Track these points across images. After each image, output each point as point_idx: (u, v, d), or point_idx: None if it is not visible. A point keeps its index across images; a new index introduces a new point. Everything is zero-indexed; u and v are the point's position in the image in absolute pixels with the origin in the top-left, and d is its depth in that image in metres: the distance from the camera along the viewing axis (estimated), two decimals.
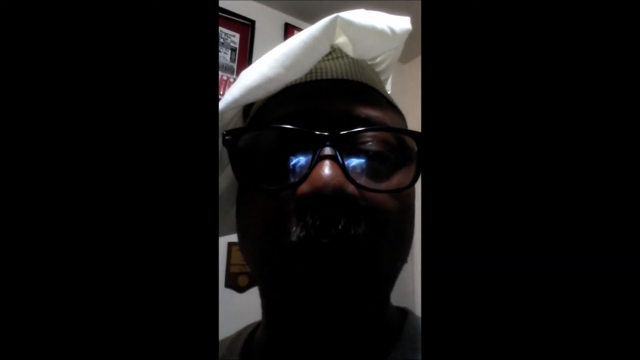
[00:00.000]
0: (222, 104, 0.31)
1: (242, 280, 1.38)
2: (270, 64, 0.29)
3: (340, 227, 0.24)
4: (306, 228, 0.25)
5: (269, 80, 0.29)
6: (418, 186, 0.30)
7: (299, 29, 1.71)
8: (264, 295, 0.32)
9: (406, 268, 0.31)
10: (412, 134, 0.28)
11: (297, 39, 0.30)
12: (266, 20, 1.66)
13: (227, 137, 0.28)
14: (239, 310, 1.17)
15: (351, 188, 0.25)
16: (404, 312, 0.35)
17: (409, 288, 1.71)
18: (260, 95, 0.30)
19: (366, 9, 0.33)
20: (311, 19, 1.73)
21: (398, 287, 0.32)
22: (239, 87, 0.30)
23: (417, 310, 0.33)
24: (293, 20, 1.74)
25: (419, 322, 0.34)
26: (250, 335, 0.37)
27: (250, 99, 0.30)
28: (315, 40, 0.29)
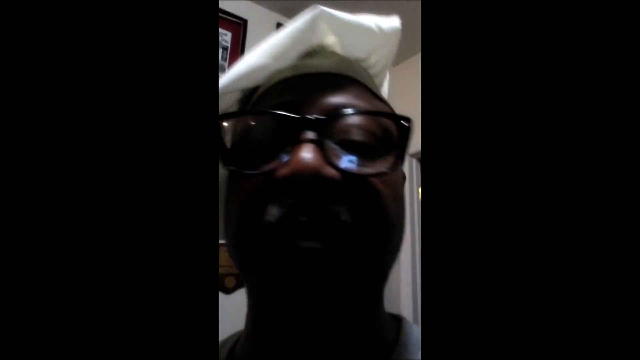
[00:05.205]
0: None
1: (229, 282, 1.37)
2: (259, 54, 0.31)
3: (319, 206, 0.24)
4: (283, 208, 0.24)
5: (256, 69, 0.31)
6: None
7: None
8: (249, 282, 0.30)
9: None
10: (393, 117, 0.28)
11: (284, 32, 0.32)
12: (258, 19, 1.66)
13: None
14: (226, 311, 1.16)
15: (331, 172, 0.25)
16: (397, 320, 0.34)
17: (394, 289, 1.71)
18: (249, 83, 0.32)
19: (356, 8, 0.34)
20: None
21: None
22: (228, 75, 0.32)
23: (403, 310, 0.33)
24: (285, 20, 1.73)
25: (413, 329, 0.33)
26: (233, 346, 0.36)
27: (238, 86, 0.32)
28: (300, 31, 0.32)
